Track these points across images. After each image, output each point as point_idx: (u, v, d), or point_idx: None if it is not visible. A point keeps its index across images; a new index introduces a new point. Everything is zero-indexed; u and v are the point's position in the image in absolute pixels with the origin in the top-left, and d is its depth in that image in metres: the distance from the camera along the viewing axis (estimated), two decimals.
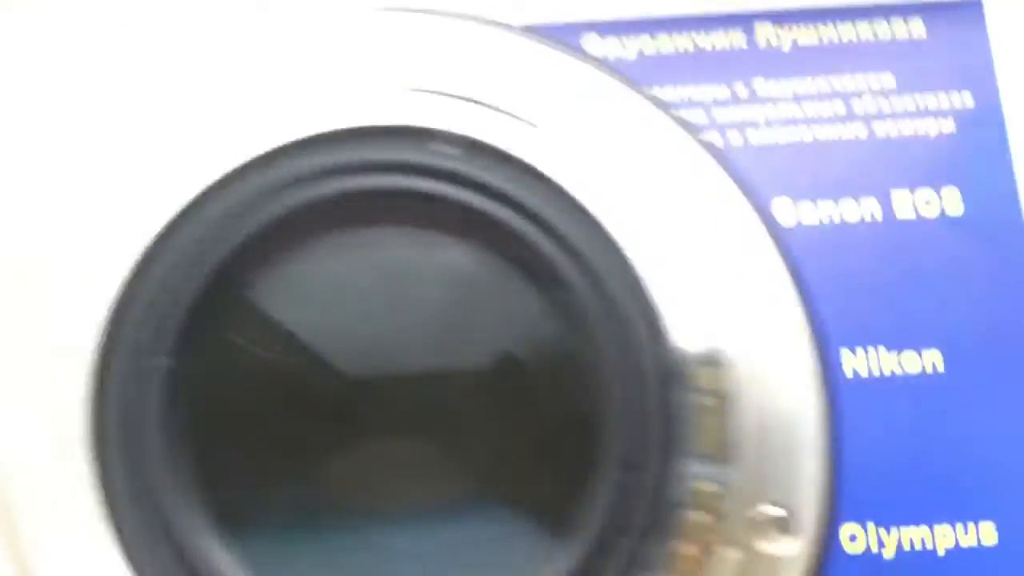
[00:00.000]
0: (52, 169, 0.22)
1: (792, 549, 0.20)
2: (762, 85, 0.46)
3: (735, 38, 0.46)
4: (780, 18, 0.47)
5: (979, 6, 0.46)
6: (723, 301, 0.19)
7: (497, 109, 0.20)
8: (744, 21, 0.46)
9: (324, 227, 0.22)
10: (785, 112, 0.45)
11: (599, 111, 0.21)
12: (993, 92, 0.45)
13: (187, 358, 0.20)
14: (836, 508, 0.20)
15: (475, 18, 0.22)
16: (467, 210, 0.20)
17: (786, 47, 0.46)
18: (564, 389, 0.20)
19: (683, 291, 0.19)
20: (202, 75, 0.22)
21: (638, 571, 0.19)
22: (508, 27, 0.22)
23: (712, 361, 0.19)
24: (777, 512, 0.19)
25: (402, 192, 0.20)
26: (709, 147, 0.21)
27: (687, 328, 0.19)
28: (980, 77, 0.45)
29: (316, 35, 0.22)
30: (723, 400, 0.18)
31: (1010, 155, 0.44)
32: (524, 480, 0.21)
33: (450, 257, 0.22)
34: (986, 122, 0.45)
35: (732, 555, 0.19)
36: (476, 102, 0.20)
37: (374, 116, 0.21)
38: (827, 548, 0.20)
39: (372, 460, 0.21)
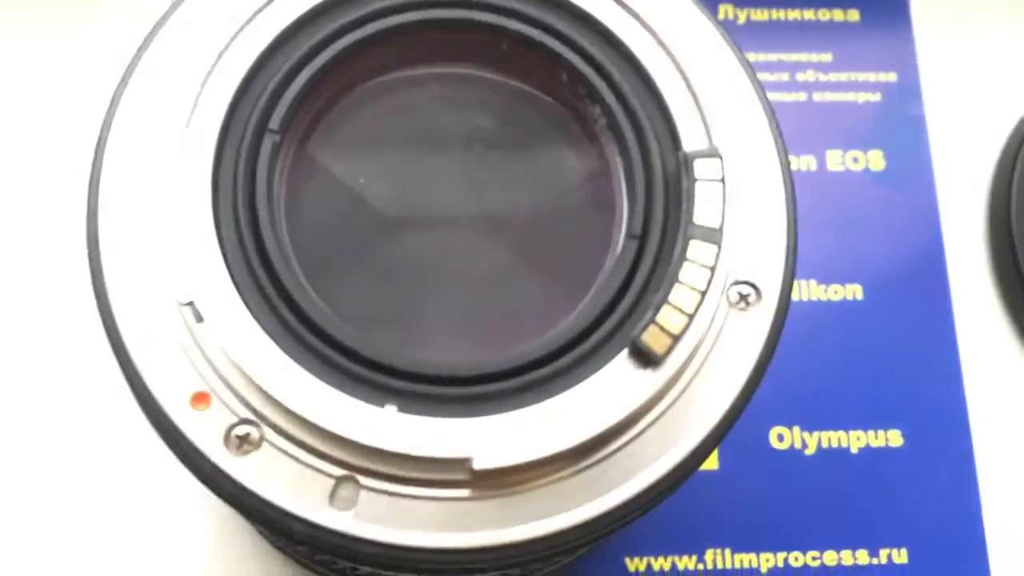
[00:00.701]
0: None
1: (758, 317, 0.25)
2: None
3: None
4: None
5: None
6: (720, 115, 0.25)
7: None
8: None
9: (386, 67, 0.27)
10: None
11: None
12: (914, 71, 0.53)
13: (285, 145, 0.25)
14: (792, 285, 0.26)
15: None
16: (522, 41, 0.25)
17: (741, 22, 0.53)
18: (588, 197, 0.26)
19: (692, 109, 0.25)
20: None
21: (635, 320, 0.24)
22: None
23: (711, 155, 0.25)
24: (748, 288, 0.25)
25: (460, 22, 0.25)
26: (716, 23, 0.27)
27: (694, 134, 0.25)
28: (904, 58, 0.53)
29: None
30: (719, 183, 0.24)
31: (926, 123, 0.52)
32: (553, 256, 0.26)
33: (483, 113, 0.28)
34: (907, 95, 0.52)
35: (713, 314, 0.25)
36: None
37: None
38: (783, 319, 0.26)
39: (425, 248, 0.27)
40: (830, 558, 0.46)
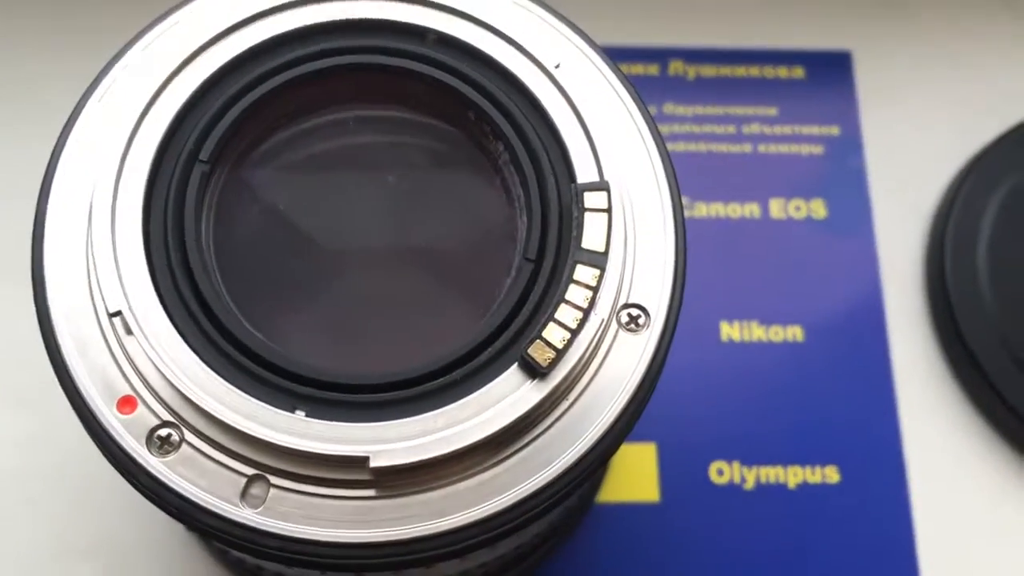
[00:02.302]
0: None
1: (646, 338, 0.28)
2: (670, 107, 0.55)
3: (651, 68, 0.56)
4: (688, 55, 0.56)
5: (849, 57, 0.57)
6: (612, 152, 0.28)
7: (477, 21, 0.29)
8: (659, 56, 0.56)
9: (319, 105, 0.30)
10: (687, 129, 0.55)
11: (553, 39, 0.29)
12: (856, 125, 0.55)
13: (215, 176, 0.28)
14: (680, 308, 0.28)
15: None
16: (434, 84, 0.28)
17: (691, 77, 0.56)
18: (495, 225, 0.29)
19: (585, 144, 0.28)
20: None
21: (527, 336, 0.26)
22: None
23: (599, 187, 0.27)
24: (637, 310, 0.28)
25: (380, 68, 0.28)
26: (622, 77, 0.29)
27: (586, 167, 0.27)
28: (846, 112, 0.55)
29: None
30: (605, 212, 0.27)
31: (866, 174, 0.54)
32: (461, 276, 0.29)
33: (410, 149, 0.30)
34: (849, 148, 0.55)
35: (600, 332, 0.27)
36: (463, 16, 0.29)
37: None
38: (670, 338, 0.28)
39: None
40: None
